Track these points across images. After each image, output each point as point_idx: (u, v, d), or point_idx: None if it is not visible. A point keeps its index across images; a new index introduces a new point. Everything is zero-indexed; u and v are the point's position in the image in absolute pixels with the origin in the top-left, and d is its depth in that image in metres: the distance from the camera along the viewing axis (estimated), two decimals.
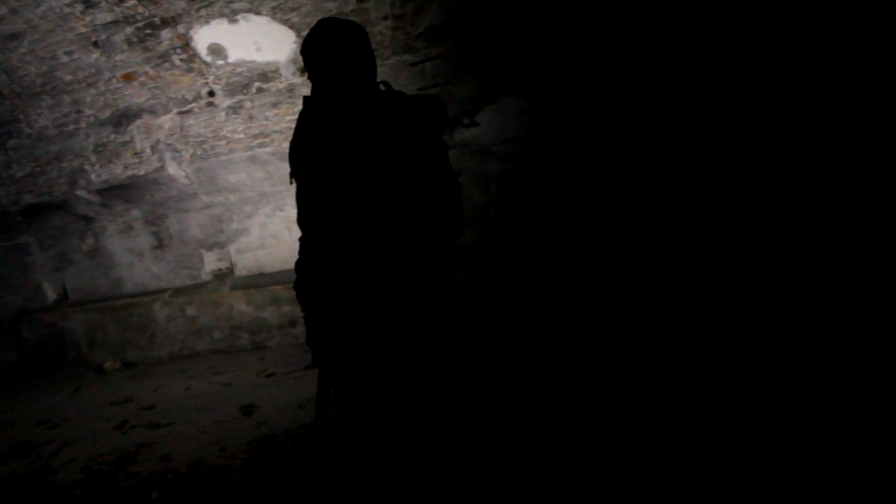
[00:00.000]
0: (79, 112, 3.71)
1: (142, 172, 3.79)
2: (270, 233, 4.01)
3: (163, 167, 3.70)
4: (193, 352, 4.09)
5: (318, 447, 1.69)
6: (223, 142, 3.62)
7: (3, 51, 3.44)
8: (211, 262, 4.19)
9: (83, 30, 3.28)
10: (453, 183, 1.35)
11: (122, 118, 3.63)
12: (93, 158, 3.86)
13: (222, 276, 4.19)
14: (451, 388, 1.47)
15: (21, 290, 4.63)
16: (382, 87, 1.32)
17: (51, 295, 4.59)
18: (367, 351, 1.30)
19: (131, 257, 4.24)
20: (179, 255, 4.14)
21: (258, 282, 4.01)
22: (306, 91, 3.33)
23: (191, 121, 3.55)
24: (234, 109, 3.48)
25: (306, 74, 1.37)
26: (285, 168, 3.63)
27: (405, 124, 1.26)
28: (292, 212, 3.75)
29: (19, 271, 4.60)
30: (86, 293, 4.42)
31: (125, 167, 3.80)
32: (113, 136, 3.72)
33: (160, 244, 4.16)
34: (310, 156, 1.25)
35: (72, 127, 3.79)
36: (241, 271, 4.13)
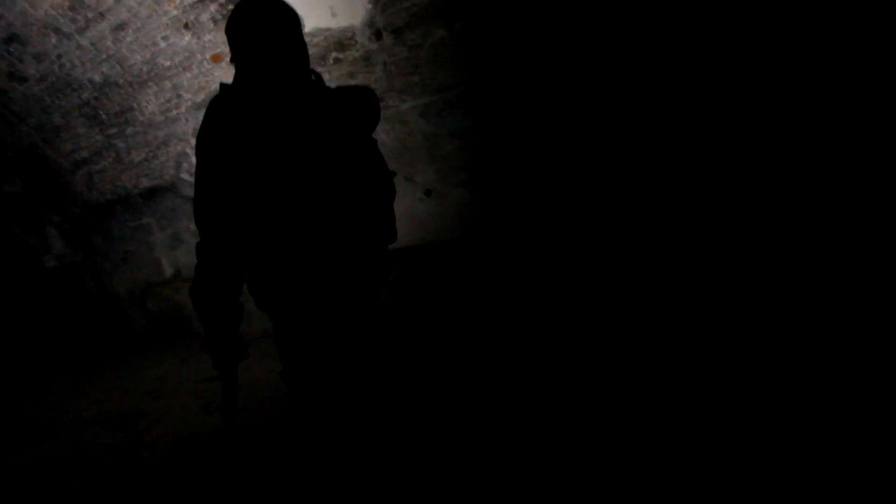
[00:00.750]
0: (179, 97, 3.84)
1: None
2: None
3: None
4: None
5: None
6: None
7: (115, 42, 3.64)
8: None
9: (175, 12, 3.31)
10: (387, 183, 1.29)
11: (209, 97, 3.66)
12: (193, 142, 4.00)
13: None
14: (383, 398, 1.44)
15: (146, 265, 5.12)
16: (313, 77, 1.23)
17: (168, 270, 5.00)
18: (294, 359, 1.28)
19: None
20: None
21: None
22: (382, 58, 3.02)
23: None
24: None
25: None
26: None
27: (337, 119, 1.19)
28: None
29: (145, 249, 5.07)
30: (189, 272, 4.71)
31: None
32: None
33: None
34: (227, 148, 1.09)
35: (174, 112, 3.94)
36: None
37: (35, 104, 4.42)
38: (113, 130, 4.33)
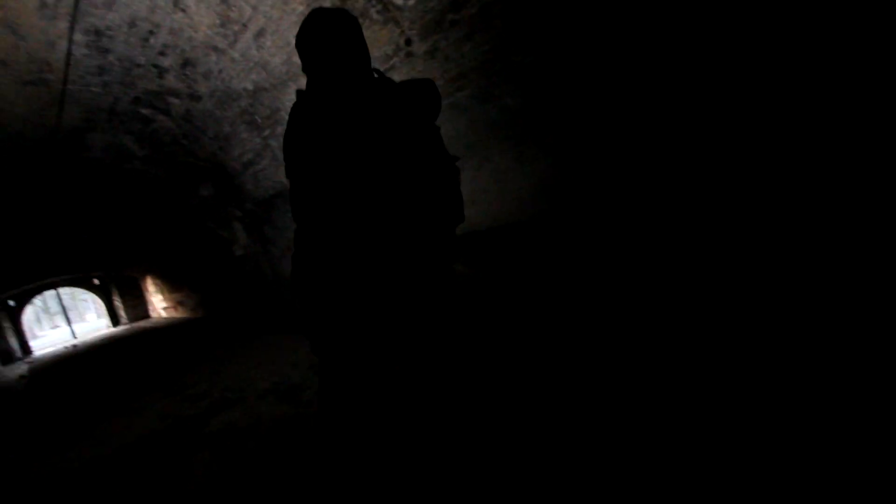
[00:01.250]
0: None
1: None
2: (480, 186, 3.64)
3: None
4: None
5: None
6: None
7: (258, 49, 3.96)
8: None
9: (301, 8, 3.42)
10: (450, 167, 1.32)
11: None
12: None
13: None
14: (454, 382, 1.39)
15: None
16: (375, 75, 1.30)
17: None
18: (371, 341, 1.28)
19: None
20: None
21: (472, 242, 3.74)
22: (498, 9, 2.67)
23: (394, 76, 3.38)
24: (431, 54, 3.12)
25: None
26: (485, 113, 3.12)
27: (400, 112, 1.24)
28: (500, 161, 3.27)
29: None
30: None
31: None
32: None
33: None
34: (308, 149, 1.21)
35: None
36: None
37: (209, 118, 5.16)
38: (267, 132, 4.82)
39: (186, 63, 4.38)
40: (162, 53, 4.25)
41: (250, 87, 4.41)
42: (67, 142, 5.96)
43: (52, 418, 4.12)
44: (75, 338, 16.47)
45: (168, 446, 2.82)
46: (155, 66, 4.42)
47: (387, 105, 1.24)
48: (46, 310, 32.64)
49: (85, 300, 32.03)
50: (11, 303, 13.53)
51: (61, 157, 6.31)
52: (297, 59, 3.86)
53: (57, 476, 2.68)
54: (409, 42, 3.18)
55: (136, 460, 2.63)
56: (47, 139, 5.92)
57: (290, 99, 4.29)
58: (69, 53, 4.11)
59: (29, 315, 20.46)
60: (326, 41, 1.22)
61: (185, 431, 2.96)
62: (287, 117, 4.49)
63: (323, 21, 1.24)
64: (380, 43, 3.31)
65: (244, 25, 3.76)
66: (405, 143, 1.23)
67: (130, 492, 2.28)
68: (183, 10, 3.69)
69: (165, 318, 14.69)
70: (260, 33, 3.77)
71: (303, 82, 4.04)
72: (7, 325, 12.82)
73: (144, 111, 5.34)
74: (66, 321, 20.68)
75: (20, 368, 10.46)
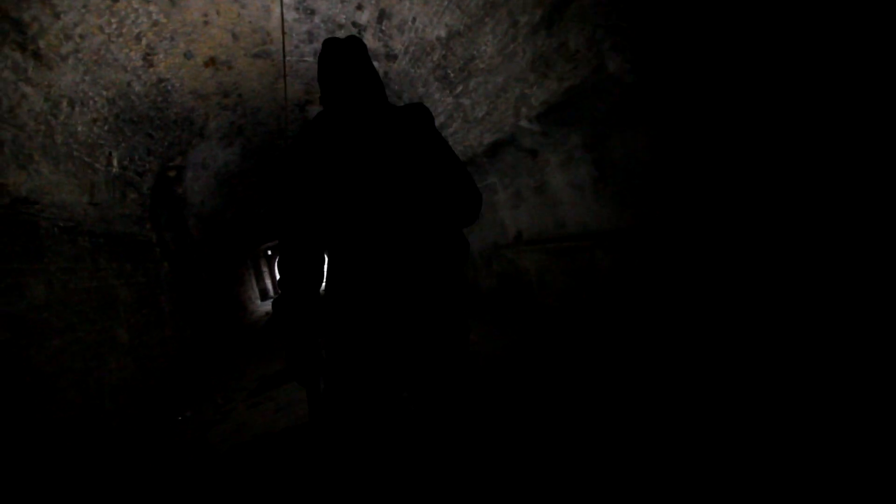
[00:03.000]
0: (515, 24, 3.17)
1: (577, 81, 2.88)
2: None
3: (601, 64, 2.63)
4: None
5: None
6: None
7: None
8: None
9: None
10: (459, 166, 1.32)
11: (553, 11, 2.78)
12: (531, 78, 3.31)
13: None
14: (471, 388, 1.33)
15: (492, 226, 5.06)
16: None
17: (511, 232, 4.73)
18: (380, 360, 1.22)
19: (572, 193, 3.59)
20: (624, 188, 3.09)
21: None
22: None
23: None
24: None
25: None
26: None
27: (408, 128, 1.30)
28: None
29: (490, 209, 4.99)
30: (536, 231, 4.22)
31: (560, 79, 3.01)
32: (546, 40, 2.96)
33: (601, 175, 3.26)
34: (313, 165, 1.23)
35: (511, 46, 3.33)
36: None
37: (404, 79, 4.83)
38: (459, 88, 4.20)
39: (382, 15, 4.01)
40: (359, 7, 3.96)
41: (443, 33, 3.80)
42: (293, 116, 6.54)
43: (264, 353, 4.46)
44: None
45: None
46: (354, 23, 4.19)
47: (400, 122, 1.29)
48: None
49: None
50: (269, 252, 17.08)
51: (289, 131, 7.04)
52: None
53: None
54: None
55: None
56: (278, 114, 6.62)
57: (485, 43, 3.53)
58: (282, 19, 4.15)
59: None
60: (348, 73, 1.33)
61: None
62: (481, 66, 3.77)
63: (342, 52, 1.35)
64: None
65: None
66: (421, 152, 1.27)
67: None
68: None
69: None
70: None
71: (502, 14, 3.19)
72: (265, 269, 16.23)
73: None
74: None
75: (267, 306, 12.99)
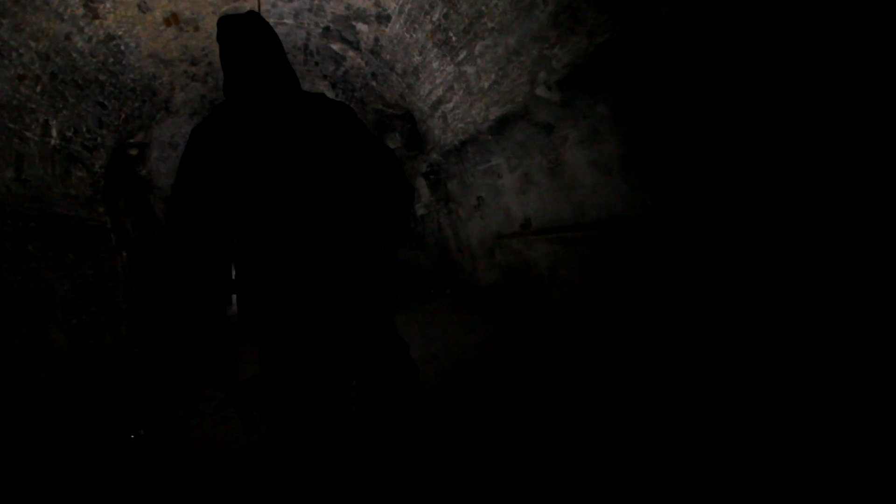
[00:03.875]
0: None
1: (614, 35, 2.38)
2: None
3: (651, 9, 2.13)
4: None
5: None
6: None
7: None
8: None
9: None
10: (384, 153, 1.28)
11: None
12: (552, 36, 2.79)
13: None
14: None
15: (495, 213, 4.56)
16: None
17: (517, 219, 4.25)
18: (313, 350, 1.16)
19: (595, 175, 3.10)
20: (663, 168, 2.62)
21: None
22: None
23: None
24: None
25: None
26: None
27: (326, 114, 1.22)
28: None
29: (493, 194, 4.49)
30: (549, 219, 3.73)
31: (591, 34, 2.51)
32: None
33: (633, 153, 2.77)
34: (214, 160, 1.09)
35: (527, 1, 2.81)
36: None
37: (398, 46, 4.27)
38: (463, 54, 3.67)
39: None
40: None
41: None
42: None
43: None
44: None
45: None
46: None
47: (306, 117, 1.19)
48: None
49: None
50: None
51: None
52: None
53: None
54: None
55: None
56: None
57: None
58: None
59: None
60: (248, 51, 1.17)
61: None
62: (490, 25, 3.23)
63: (238, 29, 1.19)
64: None
65: None
66: (324, 159, 1.17)
67: None
68: None
69: None
70: None
71: None
72: None
73: (335, 46, 4.77)
74: None
75: None
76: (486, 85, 3.61)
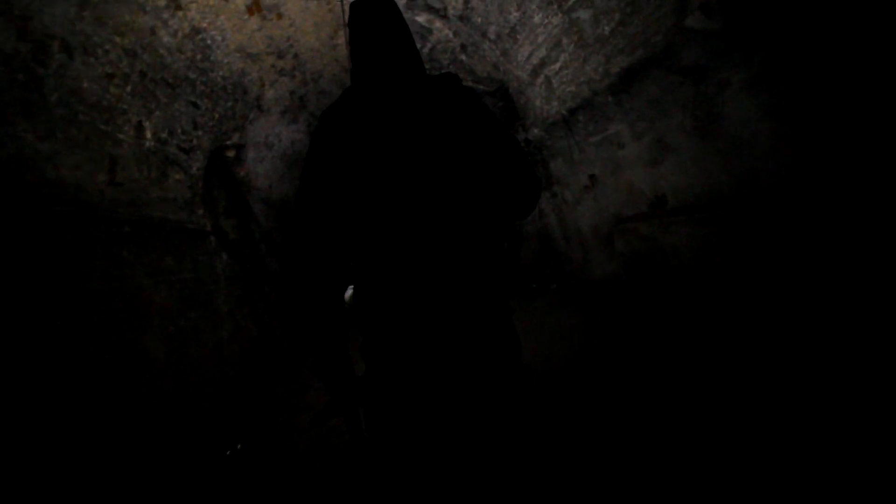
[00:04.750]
0: None
1: None
2: None
3: None
4: None
5: None
6: None
7: None
8: None
9: None
10: (514, 148, 1.13)
11: None
12: None
13: None
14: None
15: (614, 192, 3.80)
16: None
17: (645, 197, 3.45)
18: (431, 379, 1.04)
19: (775, 129, 2.25)
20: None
21: None
22: None
23: None
24: None
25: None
26: None
27: (453, 105, 1.12)
28: None
29: (611, 170, 3.73)
30: (695, 194, 2.91)
31: None
32: None
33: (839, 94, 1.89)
34: (340, 150, 1.05)
35: None
36: None
37: (491, 4, 3.68)
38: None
39: None
40: None
41: None
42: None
43: None
44: None
45: None
46: None
47: (439, 101, 1.10)
48: None
49: None
50: None
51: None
52: None
53: None
54: None
55: None
56: (342, 79, 5.79)
57: None
58: None
59: None
60: (377, 39, 1.14)
61: None
62: None
63: (369, 14, 1.16)
64: None
65: None
66: (450, 150, 1.06)
67: None
68: None
69: None
70: None
71: None
72: None
73: (420, 19, 4.31)
74: None
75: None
76: (608, 30, 2.88)
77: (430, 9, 4.12)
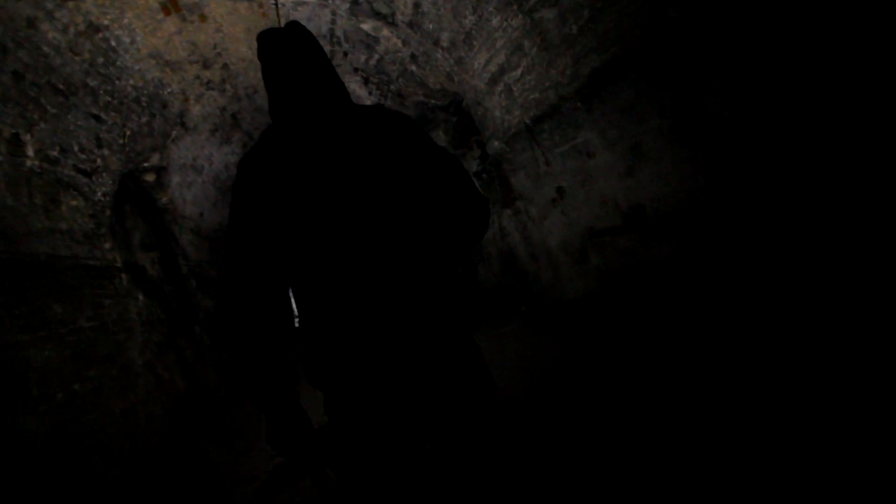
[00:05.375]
0: None
1: None
2: None
3: None
4: None
5: None
6: None
7: None
8: None
9: None
10: (457, 167, 1.11)
11: None
12: None
13: None
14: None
15: (584, 205, 3.56)
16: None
17: (618, 210, 3.23)
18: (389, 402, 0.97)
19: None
20: None
21: None
22: None
23: None
24: None
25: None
26: None
27: (386, 129, 1.06)
28: None
29: (580, 181, 3.50)
30: (673, 203, 2.70)
31: None
32: None
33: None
34: (267, 190, 0.97)
35: None
36: None
37: (443, 7, 3.40)
38: None
39: None
40: None
41: None
42: None
43: None
44: None
45: None
46: None
47: (371, 127, 1.04)
48: None
49: None
50: None
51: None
52: None
53: None
54: None
55: None
56: None
57: None
58: None
59: None
60: (292, 68, 1.05)
61: None
62: None
63: (282, 44, 1.06)
64: None
65: None
66: (398, 165, 1.01)
67: None
68: None
69: None
70: None
71: None
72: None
73: (366, 26, 3.97)
74: None
75: None
76: (576, 28, 2.66)
77: (376, 15, 3.79)
